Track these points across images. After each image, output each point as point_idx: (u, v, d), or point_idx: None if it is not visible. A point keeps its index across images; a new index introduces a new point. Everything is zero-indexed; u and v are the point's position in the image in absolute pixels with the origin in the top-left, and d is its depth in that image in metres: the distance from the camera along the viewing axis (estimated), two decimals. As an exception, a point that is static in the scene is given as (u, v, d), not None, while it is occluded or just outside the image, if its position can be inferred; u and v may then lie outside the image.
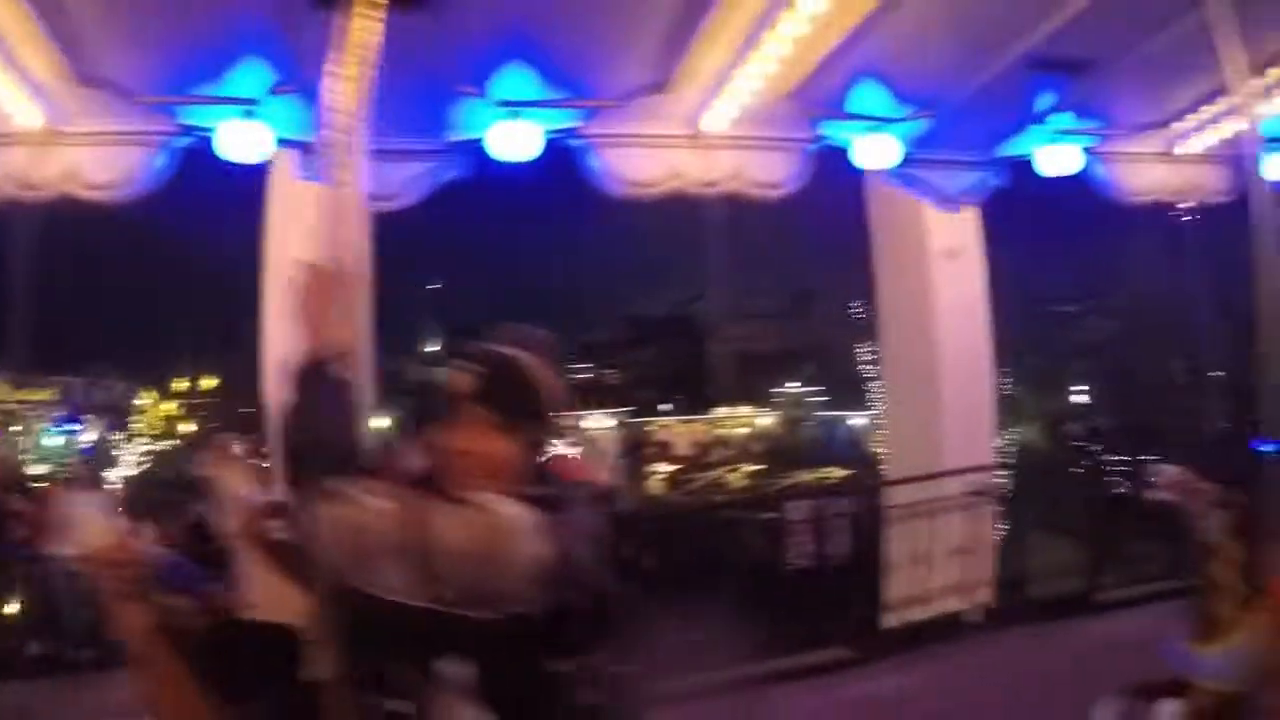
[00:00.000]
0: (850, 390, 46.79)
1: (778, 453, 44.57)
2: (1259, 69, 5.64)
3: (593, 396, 51.33)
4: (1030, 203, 8.38)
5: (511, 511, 1.75)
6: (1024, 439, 35.05)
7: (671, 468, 46.26)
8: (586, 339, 54.92)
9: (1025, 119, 6.10)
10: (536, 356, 2.01)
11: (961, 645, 6.10)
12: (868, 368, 42.03)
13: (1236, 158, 6.47)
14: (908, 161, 6.06)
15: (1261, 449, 4.37)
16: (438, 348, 51.88)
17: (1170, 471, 3.75)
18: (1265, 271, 3.46)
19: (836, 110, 5.91)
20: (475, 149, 5.64)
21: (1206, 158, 6.59)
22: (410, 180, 5.62)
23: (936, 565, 6.33)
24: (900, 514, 6.46)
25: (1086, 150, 6.37)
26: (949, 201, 6.28)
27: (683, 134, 5.84)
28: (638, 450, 48.00)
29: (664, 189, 5.86)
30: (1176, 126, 6.53)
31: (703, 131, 5.83)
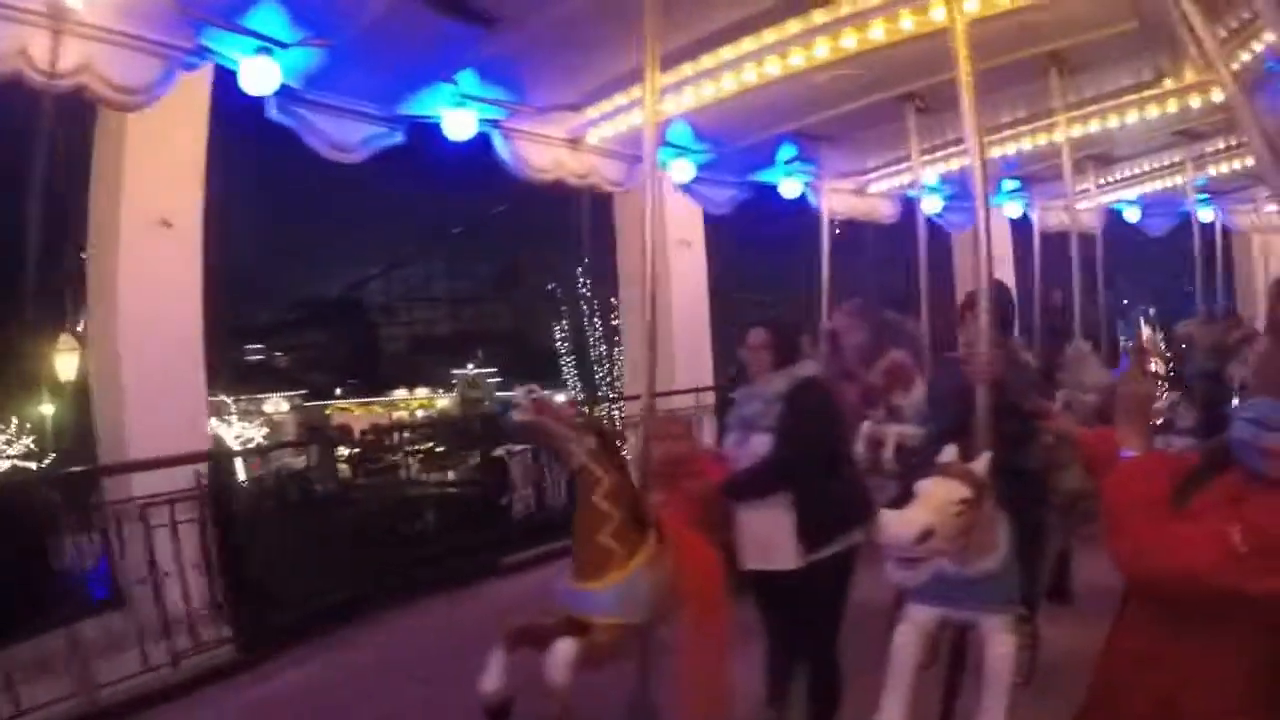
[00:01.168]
0: (538, 368, 47.46)
1: (457, 432, 44.47)
2: (670, 63, 5.98)
3: (266, 379, 48.74)
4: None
5: None
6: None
7: (350, 451, 44.85)
8: (256, 320, 51.79)
9: (430, 73, 6.06)
10: None
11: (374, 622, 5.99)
12: (560, 345, 43.04)
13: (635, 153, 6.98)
14: (301, 100, 5.79)
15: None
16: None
17: (530, 393, 3.49)
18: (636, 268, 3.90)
19: (224, 20, 5.37)
20: None
21: (607, 149, 7.00)
22: None
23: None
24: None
25: (488, 121, 6.52)
26: (343, 152, 6.09)
27: (38, 9, 5.23)
28: (319, 433, 46.07)
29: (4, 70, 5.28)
30: (589, 111, 6.86)
31: (66, 8, 5.27)
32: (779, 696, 3.82)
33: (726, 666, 3.62)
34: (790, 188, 8.26)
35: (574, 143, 7.05)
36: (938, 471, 2.71)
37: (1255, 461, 1.75)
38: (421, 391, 52.20)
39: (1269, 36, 5.64)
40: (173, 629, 5.24)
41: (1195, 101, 7.43)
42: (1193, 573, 1.67)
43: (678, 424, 4.59)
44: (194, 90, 5.84)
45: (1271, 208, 9.23)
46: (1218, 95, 6.97)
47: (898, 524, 2.49)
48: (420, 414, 49.65)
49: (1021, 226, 10.52)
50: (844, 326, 6.98)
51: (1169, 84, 7.35)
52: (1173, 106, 7.56)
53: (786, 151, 7.86)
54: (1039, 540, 3.95)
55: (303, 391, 50.53)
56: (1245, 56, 5.92)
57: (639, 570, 3.39)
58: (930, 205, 8.02)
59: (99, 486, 5.51)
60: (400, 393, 51.30)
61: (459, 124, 6.37)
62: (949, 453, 2.82)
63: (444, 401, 51.83)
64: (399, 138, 6.40)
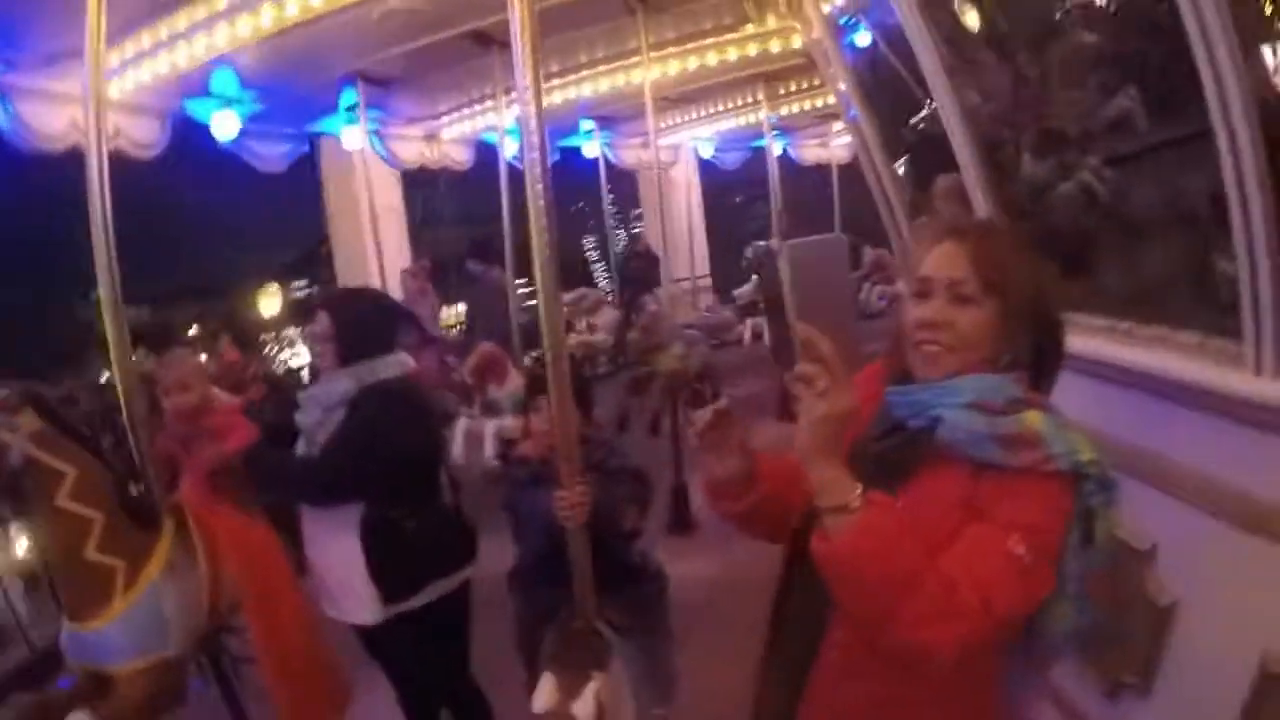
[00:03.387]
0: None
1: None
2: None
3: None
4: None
5: None
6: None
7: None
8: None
9: None
10: None
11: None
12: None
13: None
14: None
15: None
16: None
17: None
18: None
19: None
20: None
21: (133, 104, 6.28)
22: None
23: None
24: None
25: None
26: None
27: None
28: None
29: None
30: (109, 57, 6.00)
31: None
32: None
33: (320, 656, 2.99)
34: (352, 137, 7.82)
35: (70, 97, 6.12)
36: None
37: (991, 454, 1.34)
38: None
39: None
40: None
41: (776, 46, 7.69)
42: (1011, 617, 1.30)
43: (191, 366, 3.38)
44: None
45: (843, 140, 9.83)
46: (798, 41, 7.22)
47: None
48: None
49: (589, 165, 10.71)
50: (414, 291, 6.62)
51: (751, 29, 7.54)
52: (753, 50, 7.78)
53: (348, 97, 7.39)
54: (664, 632, 3.08)
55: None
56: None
57: (155, 583, 2.60)
58: (511, 148, 7.86)
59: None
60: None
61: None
62: (543, 693, 2.01)
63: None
64: None
